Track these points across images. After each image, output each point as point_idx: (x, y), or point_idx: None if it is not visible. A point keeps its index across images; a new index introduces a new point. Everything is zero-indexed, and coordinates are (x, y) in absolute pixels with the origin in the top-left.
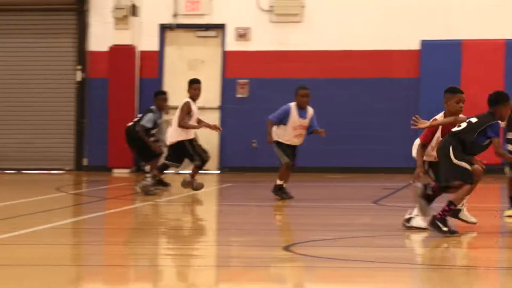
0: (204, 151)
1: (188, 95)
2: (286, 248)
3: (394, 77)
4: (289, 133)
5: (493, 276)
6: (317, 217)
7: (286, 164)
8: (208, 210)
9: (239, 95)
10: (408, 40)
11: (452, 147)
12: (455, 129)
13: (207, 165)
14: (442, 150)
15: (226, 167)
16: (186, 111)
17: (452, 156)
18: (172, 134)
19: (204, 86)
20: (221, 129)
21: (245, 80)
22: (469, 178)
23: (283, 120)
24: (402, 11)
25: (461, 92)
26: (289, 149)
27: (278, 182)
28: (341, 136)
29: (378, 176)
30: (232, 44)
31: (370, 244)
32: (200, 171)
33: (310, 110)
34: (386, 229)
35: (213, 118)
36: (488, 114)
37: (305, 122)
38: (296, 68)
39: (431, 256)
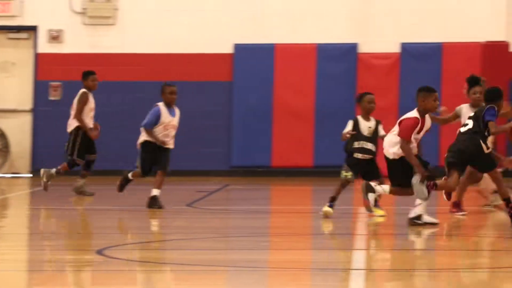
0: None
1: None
2: (99, 252)
3: (208, 80)
4: (158, 133)
5: (304, 277)
6: (131, 221)
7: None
8: (19, 214)
9: (51, 98)
10: (222, 44)
11: (482, 142)
12: (464, 129)
13: (19, 168)
14: (469, 148)
15: (38, 170)
16: (84, 102)
17: (484, 148)
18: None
19: (16, 89)
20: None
21: (58, 83)
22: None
23: (156, 122)
24: (216, 15)
25: (436, 91)
26: (159, 152)
27: (154, 192)
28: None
29: (192, 179)
30: (45, 47)
31: (185, 247)
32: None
33: (177, 109)
34: (201, 232)
35: (26, 121)
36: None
37: (175, 120)
38: (110, 71)
39: (247, 258)
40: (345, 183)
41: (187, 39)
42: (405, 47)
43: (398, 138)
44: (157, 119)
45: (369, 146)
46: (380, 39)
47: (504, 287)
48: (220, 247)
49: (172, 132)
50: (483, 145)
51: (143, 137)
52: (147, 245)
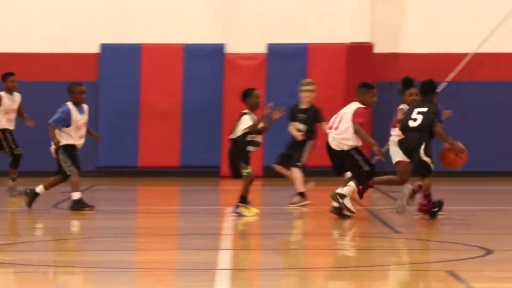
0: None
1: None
2: None
3: (74, 80)
4: (73, 133)
5: (171, 277)
6: None
7: (76, 173)
8: None
9: None
10: (88, 44)
11: (425, 144)
12: (414, 124)
13: None
14: (410, 145)
15: None
16: None
17: (422, 153)
18: None
19: None
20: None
21: None
22: (429, 173)
23: (65, 122)
24: (82, 14)
25: (374, 87)
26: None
27: (75, 196)
28: (22, 139)
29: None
30: None
31: (51, 248)
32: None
33: (85, 106)
34: (67, 233)
35: None
36: (429, 101)
37: (85, 118)
38: None
39: (114, 259)
40: (250, 179)
41: (53, 38)
42: (271, 48)
43: (350, 130)
44: (67, 118)
45: (259, 138)
46: (246, 40)
47: (370, 285)
48: (87, 248)
49: (84, 130)
50: (422, 149)
51: (64, 140)
52: (12, 247)
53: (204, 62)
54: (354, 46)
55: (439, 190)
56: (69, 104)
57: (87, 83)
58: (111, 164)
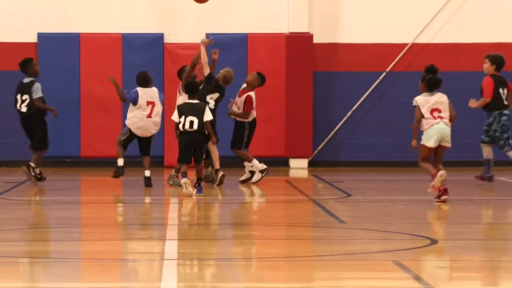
0: None
1: None
2: None
3: (12, 70)
4: None
5: (116, 267)
6: None
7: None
8: None
9: None
10: (25, 33)
11: None
12: None
13: None
14: None
15: None
16: None
17: None
18: None
19: None
20: None
21: None
22: None
23: None
24: (19, 3)
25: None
26: None
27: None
28: None
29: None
30: None
31: None
32: None
33: None
34: (10, 223)
35: None
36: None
37: None
38: None
39: (58, 249)
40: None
41: None
42: (210, 37)
43: None
44: None
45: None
46: (185, 29)
47: (315, 275)
48: (30, 238)
49: None
50: None
51: None
52: None
53: (144, 52)
54: (294, 36)
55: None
56: None
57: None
58: (53, 154)
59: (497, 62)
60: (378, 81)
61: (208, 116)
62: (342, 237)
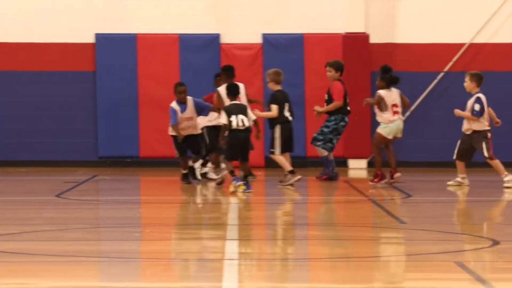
0: None
1: None
2: None
3: (70, 70)
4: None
5: (176, 267)
6: (0, 212)
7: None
8: None
9: None
10: (83, 33)
11: None
12: None
13: None
14: None
15: None
16: None
17: None
18: None
19: None
20: None
21: None
22: None
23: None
24: (77, 3)
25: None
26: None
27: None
28: (23, 129)
29: (60, 170)
30: None
31: (56, 238)
32: None
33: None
34: (71, 222)
35: None
36: None
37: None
38: None
39: (119, 249)
40: None
41: (48, 28)
42: (267, 37)
43: None
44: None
45: None
46: (241, 30)
47: (376, 276)
48: (91, 238)
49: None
50: None
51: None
52: (18, 236)
53: (200, 52)
54: (350, 36)
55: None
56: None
57: (85, 73)
58: (113, 154)
59: None
60: (435, 81)
61: (253, 115)
62: (402, 238)
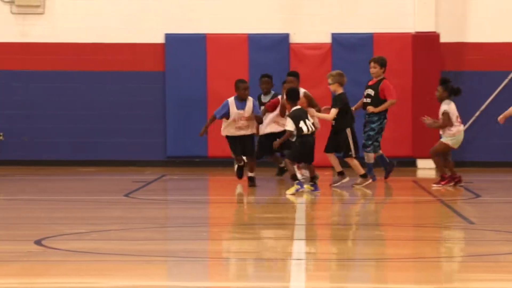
0: None
1: None
2: (38, 242)
3: (140, 70)
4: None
5: (245, 267)
6: (69, 211)
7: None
8: None
9: None
10: (152, 33)
11: None
12: None
13: None
14: None
15: None
16: None
17: None
18: None
19: None
20: None
21: None
22: None
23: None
24: (146, 4)
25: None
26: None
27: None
28: (93, 129)
29: (128, 169)
30: None
31: (124, 237)
32: None
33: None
34: (139, 222)
35: None
36: None
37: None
38: (43, 60)
39: (187, 248)
40: None
41: (118, 28)
42: (336, 37)
43: None
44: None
45: None
46: (310, 29)
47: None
48: (159, 237)
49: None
50: None
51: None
52: (86, 235)
53: (269, 52)
54: (420, 35)
55: None
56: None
57: (154, 73)
58: (181, 154)
59: None
60: (506, 80)
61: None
62: (471, 238)
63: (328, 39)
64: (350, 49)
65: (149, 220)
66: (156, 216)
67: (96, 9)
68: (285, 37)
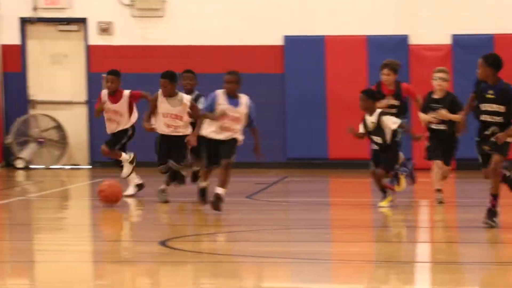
0: None
1: None
2: (162, 243)
3: (259, 72)
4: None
5: (368, 269)
6: (193, 213)
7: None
8: (80, 205)
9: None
10: (271, 36)
11: None
12: None
13: (77, 160)
14: None
15: (97, 162)
16: None
17: None
18: None
19: (69, 81)
20: None
21: None
22: None
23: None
24: (265, 6)
25: None
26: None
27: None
28: None
29: (251, 171)
30: (95, 39)
31: (248, 239)
32: None
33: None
34: (262, 224)
35: (81, 113)
36: None
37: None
38: (160, 63)
39: (310, 250)
40: None
41: (236, 31)
42: (456, 38)
43: None
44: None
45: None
46: (430, 31)
47: None
48: (282, 239)
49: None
50: None
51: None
52: (210, 237)
53: (389, 54)
54: None
55: None
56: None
57: (274, 75)
58: (301, 156)
59: None
60: None
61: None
62: None
63: (448, 41)
64: (471, 50)
65: (272, 222)
66: (278, 217)
67: (215, 11)
68: (404, 38)
